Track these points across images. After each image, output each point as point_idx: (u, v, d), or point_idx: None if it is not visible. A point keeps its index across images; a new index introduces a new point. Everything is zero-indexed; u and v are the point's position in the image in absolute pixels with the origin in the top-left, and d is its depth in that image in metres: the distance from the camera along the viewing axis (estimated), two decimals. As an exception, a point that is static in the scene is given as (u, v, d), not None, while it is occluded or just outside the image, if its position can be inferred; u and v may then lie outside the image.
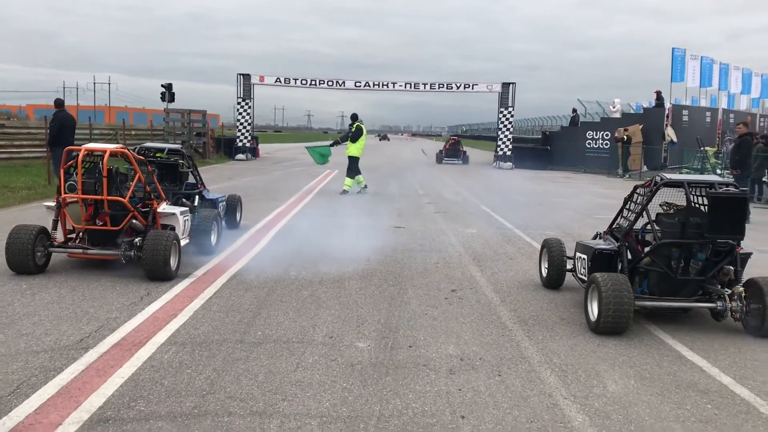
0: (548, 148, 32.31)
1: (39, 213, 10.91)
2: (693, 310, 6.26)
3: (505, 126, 32.00)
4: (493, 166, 32.16)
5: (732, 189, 5.70)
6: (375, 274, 7.83)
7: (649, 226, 6.10)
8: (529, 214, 13.88)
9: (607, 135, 30.15)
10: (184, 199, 9.09)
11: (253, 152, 32.67)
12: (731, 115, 34.02)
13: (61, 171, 7.38)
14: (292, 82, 33.05)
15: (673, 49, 30.80)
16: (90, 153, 7.45)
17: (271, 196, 15.64)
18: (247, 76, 32.40)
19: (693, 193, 6.09)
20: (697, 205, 6.06)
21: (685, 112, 31.00)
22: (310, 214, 12.93)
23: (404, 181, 22.35)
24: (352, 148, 17.01)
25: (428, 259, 8.88)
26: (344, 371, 4.73)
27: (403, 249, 9.43)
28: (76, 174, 7.23)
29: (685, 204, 6.08)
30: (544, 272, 7.44)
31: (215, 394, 4.25)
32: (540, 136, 41.07)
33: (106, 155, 7.24)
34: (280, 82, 33.01)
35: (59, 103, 14.89)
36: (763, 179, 18.63)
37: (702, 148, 25.07)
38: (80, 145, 7.59)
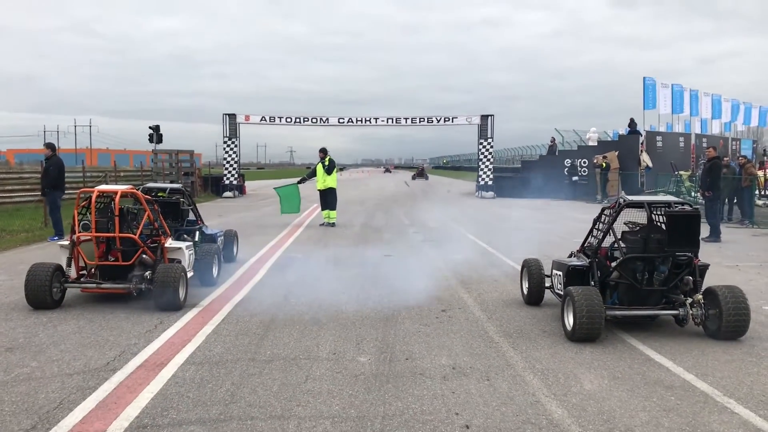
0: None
1: (40, 254, 11.44)
2: (659, 317, 6.91)
3: (485, 156, 32.90)
4: (475, 195, 32.93)
5: (687, 207, 6.40)
6: (369, 298, 8.39)
7: (616, 244, 6.77)
8: (512, 240, 14.51)
9: (584, 162, 31.08)
10: (185, 235, 9.66)
11: (240, 189, 33.26)
12: (704, 140, 35.17)
13: (75, 211, 7.93)
14: (277, 120, 33.81)
15: (644, 78, 31.98)
16: (102, 194, 8.00)
17: (262, 231, 16.19)
18: (232, 116, 33.11)
19: (653, 212, 6.77)
20: (657, 223, 6.74)
21: (659, 138, 32.08)
22: (302, 247, 13.48)
23: (390, 211, 23.00)
24: (330, 180, 17.63)
25: (418, 284, 9.42)
26: (349, 381, 5.29)
27: (395, 275, 10.00)
28: (90, 214, 7.78)
29: (646, 222, 6.76)
30: (525, 290, 8.07)
31: (237, 403, 4.79)
32: (519, 165, 41.98)
33: (118, 196, 7.81)
34: (265, 120, 33.78)
35: (53, 147, 15.00)
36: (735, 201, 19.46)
37: (676, 173, 26.03)
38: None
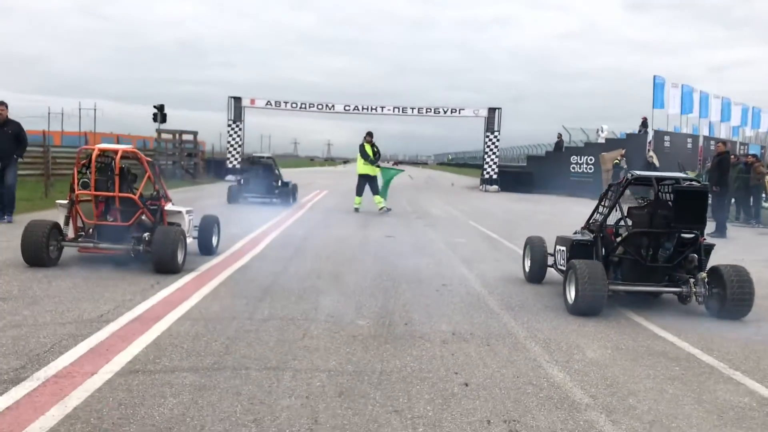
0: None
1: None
2: (662, 295, 6.79)
3: (491, 150, 32.68)
4: (479, 188, 32.79)
5: (695, 183, 6.26)
6: (370, 271, 8.28)
7: (623, 222, 6.64)
8: (516, 228, 14.40)
9: (591, 160, 30.88)
10: (274, 182, 17.31)
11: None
12: (712, 142, 34.89)
13: (75, 169, 7.81)
14: (283, 106, 33.61)
15: (654, 76, 31.71)
16: (103, 153, 7.88)
17: (267, 209, 16.07)
18: (238, 99, 32.89)
19: (661, 188, 6.64)
20: (664, 199, 6.61)
21: (666, 138, 31.85)
22: (305, 226, 13.37)
23: (393, 198, 22.81)
24: (374, 167, 17.11)
25: (419, 261, 9.34)
26: (347, 340, 5.18)
27: (396, 253, 9.89)
28: (90, 172, 7.66)
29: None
30: (527, 267, 7.96)
31: (231, 355, 4.69)
32: (525, 163, 41.74)
33: (118, 155, 7.71)
34: (270, 105, 33.55)
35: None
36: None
37: (684, 172, 25.82)
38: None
